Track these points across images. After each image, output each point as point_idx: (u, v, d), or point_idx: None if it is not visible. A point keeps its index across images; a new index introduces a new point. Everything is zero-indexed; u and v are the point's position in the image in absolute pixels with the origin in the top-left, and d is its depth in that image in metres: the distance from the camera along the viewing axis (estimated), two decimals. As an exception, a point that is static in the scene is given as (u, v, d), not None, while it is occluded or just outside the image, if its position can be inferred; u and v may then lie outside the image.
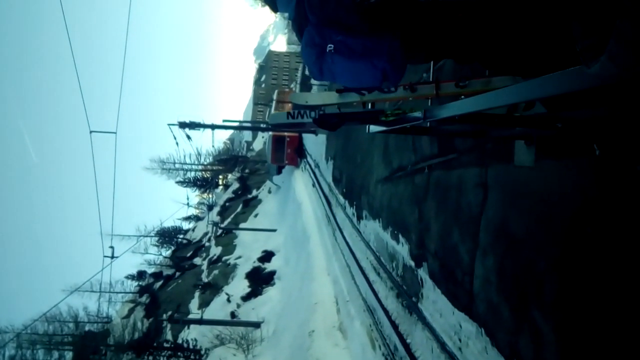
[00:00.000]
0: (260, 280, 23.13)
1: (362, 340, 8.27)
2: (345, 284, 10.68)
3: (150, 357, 22.86)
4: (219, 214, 48.22)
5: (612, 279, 2.38)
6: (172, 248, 57.09)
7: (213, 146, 45.39)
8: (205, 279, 32.81)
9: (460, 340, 4.37)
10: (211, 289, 29.04)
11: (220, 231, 39.03)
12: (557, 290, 2.83)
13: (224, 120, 24.95)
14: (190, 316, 24.26)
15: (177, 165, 50.90)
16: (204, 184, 56.06)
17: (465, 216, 4.34)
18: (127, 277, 51.81)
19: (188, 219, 62.37)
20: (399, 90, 3.00)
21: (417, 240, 5.87)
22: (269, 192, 37.93)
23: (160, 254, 56.77)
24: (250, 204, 41.08)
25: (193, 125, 20.34)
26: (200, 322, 20.72)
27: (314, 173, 20.96)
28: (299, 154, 28.47)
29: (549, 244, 2.95)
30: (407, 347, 5.87)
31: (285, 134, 28.08)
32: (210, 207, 55.34)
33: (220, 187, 60.35)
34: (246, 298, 22.60)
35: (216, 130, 22.05)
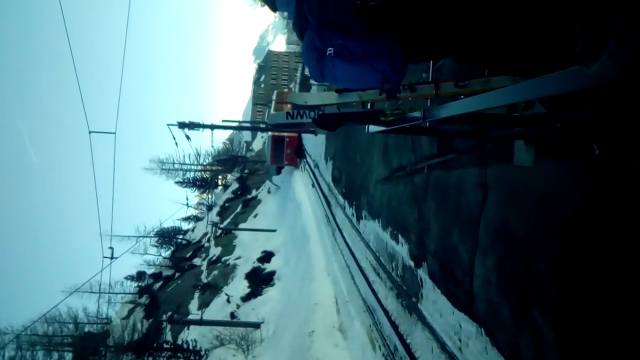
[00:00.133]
0: (260, 280, 23.13)
1: (362, 341, 8.27)
2: (345, 284, 10.68)
3: (150, 358, 22.84)
4: (219, 214, 48.21)
5: (612, 278, 2.38)
6: (172, 249, 57.10)
7: (212, 146, 45.52)
8: (204, 280, 32.81)
9: (460, 340, 4.37)
10: (211, 290, 29.04)
11: (219, 231, 39.02)
12: (557, 290, 2.83)
13: (223, 121, 24.95)
14: (190, 317, 24.24)
15: (176, 166, 50.92)
16: (203, 184, 56.05)
17: (464, 216, 4.34)
18: (126, 278, 51.83)
19: (187, 219, 62.40)
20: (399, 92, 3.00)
21: (417, 241, 5.87)
22: (269, 192, 37.94)
23: (160, 255, 56.80)
24: (250, 204, 41.08)
25: (192, 126, 20.33)
26: (200, 322, 20.72)
27: (314, 173, 20.96)
28: (299, 154, 28.45)
29: (548, 243, 2.95)
30: (407, 347, 5.86)
31: (285, 134, 28.06)
32: (209, 208, 55.31)
33: (220, 188, 60.35)
34: (246, 298, 22.60)
35: (215, 131, 22.06)
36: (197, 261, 42.27)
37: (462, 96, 2.72)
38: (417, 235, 5.89)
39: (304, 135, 26.44)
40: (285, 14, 2.45)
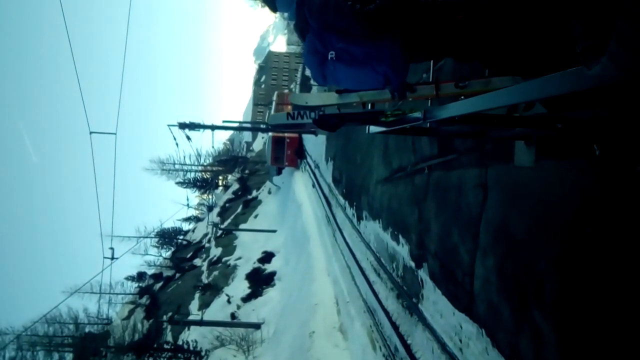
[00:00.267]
0: (260, 281, 23.13)
1: (362, 341, 8.27)
2: (345, 284, 10.67)
3: (151, 359, 22.84)
4: (219, 214, 48.20)
5: (612, 279, 2.37)
6: (172, 249, 57.07)
7: (213, 147, 45.41)
8: (205, 280, 32.80)
9: (460, 340, 4.37)
10: (211, 290, 29.02)
11: (220, 232, 39.00)
12: (558, 290, 2.83)
13: (223, 121, 24.90)
14: (191, 317, 24.24)
15: (177, 166, 50.90)
16: (203, 184, 56.03)
17: (465, 217, 4.34)
18: (127, 279, 51.78)
19: (188, 220, 62.39)
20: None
21: (417, 241, 5.87)
22: (269, 192, 37.93)
23: (160, 255, 56.78)
24: (250, 205, 41.08)
25: (193, 126, 20.32)
26: (201, 323, 20.71)
27: (314, 174, 20.96)
28: (299, 155, 28.43)
29: (549, 244, 2.95)
30: (407, 348, 5.86)
31: (286, 135, 28.05)
32: (210, 208, 55.33)
33: (220, 188, 60.34)
34: (246, 299, 22.60)
35: (216, 131, 22.03)
36: (197, 262, 42.26)
37: (462, 97, 2.73)
38: (417, 236, 5.89)
39: (304, 136, 26.44)
40: (286, 14, 2.46)
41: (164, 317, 29.91)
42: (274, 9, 2.42)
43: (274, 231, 27.17)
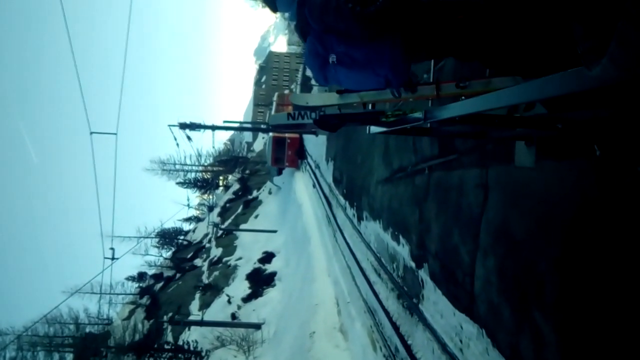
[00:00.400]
0: (260, 281, 23.13)
1: (362, 342, 8.27)
2: (345, 285, 10.67)
3: (151, 359, 22.84)
4: (220, 215, 48.22)
5: (612, 279, 2.37)
6: (173, 249, 57.09)
7: (213, 147, 45.43)
8: (205, 281, 32.82)
9: (461, 341, 4.37)
10: (212, 291, 29.04)
11: (220, 232, 39.02)
12: (558, 291, 2.83)
13: (224, 121, 24.95)
14: (191, 318, 24.25)
15: (177, 166, 50.92)
16: (204, 185, 56.05)
17: (465, 217, 4.34)
18: (127, 279, 51.80)
19: (188, 220, 62.42)
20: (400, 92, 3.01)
21: (418, 241, 5.87)
22: (270, 193, 37.94)
23: (161, 256, 56.82)
24: (251, 205, 41.09)
25: (193, 126, 20.35)
26: (201, 323, 20.72)
27: (315, 174, 20.96)
28: (300, 155, 28.40)
29: (549, 244, 2.95)
30: (408, 348, 5.86)
31: (286, 135, 28.02)
32: (210, 208, 55.37)
33: (221, 188, 60.35)
34: (247, 299, 22.60)
35: (216, 131, 22.07)
36: (198, 262, 42.28)
37: (463, 97, 2.73)
38: (418, 236, 5.89)
39: (304, 136, 26.43)
40: (287, 14, 2.46)
41: (165, 318, 29.91)
42: (274, 9, 2.42)
43: (275, 231, 27.18)
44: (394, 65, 2.05)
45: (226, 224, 41.94)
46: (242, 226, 35.63)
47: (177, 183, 53.64)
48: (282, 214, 28.21)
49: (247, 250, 29.52)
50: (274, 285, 21.74)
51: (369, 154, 9.77)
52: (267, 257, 25.40)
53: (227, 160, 53.50)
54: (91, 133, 18.01)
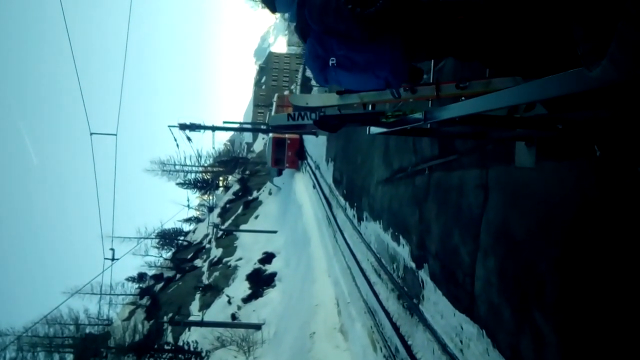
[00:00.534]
0: (261, 282, 23.14)
1: (363, 342, 8.26)
2: (346, 285, 10.67)
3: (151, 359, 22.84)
4: (220, 215, 48.23)
5: (612, 280, 2.37)
6: (173, 250, 57.09)
7: (213, 148, 45.43)
8: (205, 281, 32.82)
9: (461, 341, 4.36)
10: (212, 291, 29.04)
11: (220, 233, 39.01)
12: (558, 291, 2.83)
13: (224, 122, 24.93)
14: (191, 318, 24.26)
15: (177, 167, 50.97)
16: (204, 185, 56.06)
17: (466, 217, 4.34)
18: (127, 279, 51.82)
19: (188, 220, 62.41)
20: (401, 91, 3.01)
21: (418, 242, 5.87)
22: (270, 193, 37.94)
23: (161, 256, 56.83)
24: (251, 206, 41.09)
25: (193, 127, 20.36)
26: (201, 324, 20.72)
27: (315, 174, 20.96)
28: (300, 156, 28.34)
29: (549, 245, 2.95)
30: (408, 348, 5.86)
31: (286, 136, 27.99)
32: (210, 209, 55.36)
33: (221, 189, 60.36)
34: (247, 300, 22.61)
35: (216, 132, 22.07)
36: (198, 262, 42.27)
37: (463, 97, 2.73)
38: (418, 237, 5.89)
39: (304, 137, 26.42)
40: (287, 15, 2.46)
41: (165, 318, 29.92)
42: (273, 9, 2.42)
43: (275, 232, 27.18)
44: (394, 66, 2.06)
45: (226, 224, 41.94)
46: (242, 227, 35.64)
47: (177, 184, 53.71)
48: (282, 215, 28.21)
49: (247, 251, 29.52)
50: (274, 286, 21.75)
51: (369, 154, 9.77)
52: (267, 257, 25.40)
53: (227, 161, 53.53)
54: (91, 134, 18.02)
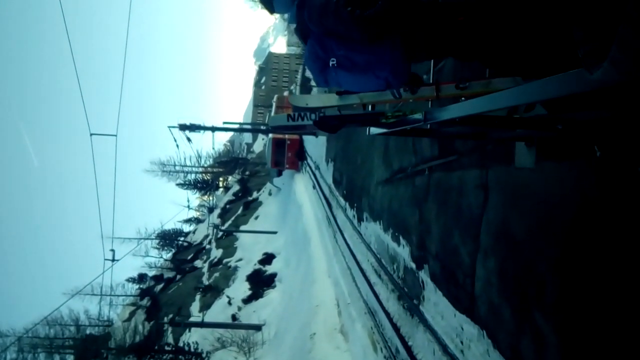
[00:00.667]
0: (261, 282, 23.14)
1: (363, 343, 8.26)
2: (346, 286, 10.67)
3: (151, 360, 22.85)
4: (220, 216, 48.23)
5: (613, 280, 2.37)
6: (173, 251, 57.10)
7: (213, 148, 45.55)
8: (206, 282, 32.82)
9: (462, 342, 4.36)
10: (212, 292, 29.05)
11: (220, 233, 39.01)
12: (558, 291, 2.83)
13: (224, 123, 24.93)
14: (191, 319, 24.27)
15: (177, 168, 51.01)
16: (204, 186, 56.10)
17: (466, 218, 4.34)
18: (128, 280, 51.83)
19: (189, 221, 62.43)
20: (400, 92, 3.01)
21: (418, 242, 5.87)
22: (270, 194, 37.94)
23: (161, 257, 56.85)
24: (251, 206, 41.10)
25: (193, 128, 20.36)
26: (202, 325, 20.74)
27: (315, 175, 20.95)
28: (300, 157, 28.27)
29: (549, 245, 2.95)
30: (408, 349, 5.85)
31: (286, 136, 27.94)
32: (210, 210, 55.36)
33: (221, 190, 60.38)
34: (247, 301, 22.61)
35: (216, 133, 22.07)
36: (198, 263, 42.28)
37: (463, 98, 2.73)
38: (418, 237, 5.88)
39: (304, 137, 26.39)
40: (286, 16, 2.46)
41: (165, 319, 29.94)
42: (271, 10, 2.42)
43: (275, 232, 27.18)
44: (395, 67, 2.06)
45: (226, 225, 41.94)
46: (242, 227, 35.64)
47: (177, 184, 53.75)
48: (282, 215, 28.20)
49: (248, 252, 29.53)
50: (274, 287, 21.76)
51: (368, 155, 9.77)
52: (268, 258, 25.41)
53: (227, 162, 53.58)
54: (91, 135, 18.02)
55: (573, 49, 1.15)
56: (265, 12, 2.44)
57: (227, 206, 49.70)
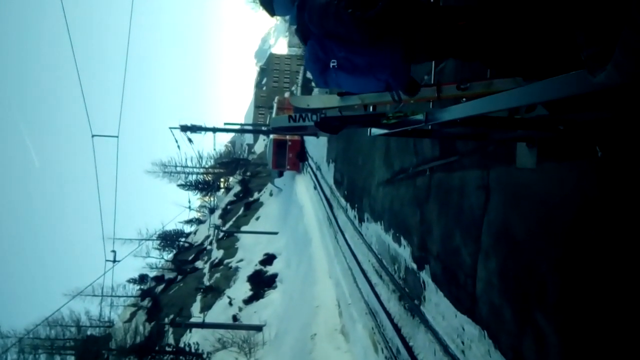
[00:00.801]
0: (262, 283, 23.13)
1: (364, 344, 8.26)
2: (347, 286, 10.67)
3: (152, 361, 22.85)
4: (221, 217, 48.25)
5: (614, 280, 2.37)
6: (174, 251, 57.13)
7: (214, 149, 45.54)
8: (207, 283, 32.82)
9: (463, 343, 4.36)
10: (213, 293, 29.04)
11: (221, 234, 39.02)
12: (560, 292, 2.83)
13: (225, 124, 24.95)
14: (192, 320, 24.25)
15: (178, 169, 51.11)
16: (205, 187, 56.14)
17: (467, 218, 4.34)
18: (128, 281, 51.89)
19: (190, 222, 62.45)
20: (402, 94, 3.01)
21: (419, 243, 5.87)
22: (271, 194, 37.95)
23: (162, 258, 56.88)
24: (252, 207, 41.10)
25: (194, 129, 20.39)
26: (202, 325, 20.72)
27: (316, 175, 20.96)
28: (301, 158, 28.19)
29: (550, 245, 2.95)
30: (409, 350, 5.85)
31: (287, 137, 27.88)
32: (211, 210, 55.39)
33: (222, 190, 60.40)
34: (248, 301, 22.60)
35: (217, 134, 22.10)
36: (199, 264, 42.27)
37: (464, 99, 2.73)
38: (419, 238, 5.88)
39: (305, 138, 26.36)
40: (287, 17, 2.46)
41: (166, 320, 29.93)
42: (272, 12, 2.42)
43: (276, 233, 27.16)
44: (395, 69, 2.06)
45: (227, 226, 41.95)
46: (243, 228, 35.65)
47: (178, 185, 53.83)
48: (283, 216, 28.18)
49: (248, 252, 29.52)
50: (275, 287, 21.74)
51: (369, 155, 9.78)
52: (268, 259, 25.40)
53: (228, 162, 53.63)
54: (93, 136, 18.06)
55: (574, 50, 1.15)
56: (266, 14, 2.44)
57: (228, 207, 49.72)
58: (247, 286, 24.10)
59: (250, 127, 44.54)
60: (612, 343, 2.39)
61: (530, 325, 3.14)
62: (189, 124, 20.24)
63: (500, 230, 3.68)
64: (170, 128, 20.71)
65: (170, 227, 57.26)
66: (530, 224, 3.25)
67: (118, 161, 20.20)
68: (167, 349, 23.24)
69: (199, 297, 31.35)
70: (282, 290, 20.41)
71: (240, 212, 42.82)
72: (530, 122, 2.37)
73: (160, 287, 45.74)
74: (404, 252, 6.54)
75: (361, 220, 10.13)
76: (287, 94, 48.94)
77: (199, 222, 61.48)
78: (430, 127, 2.76)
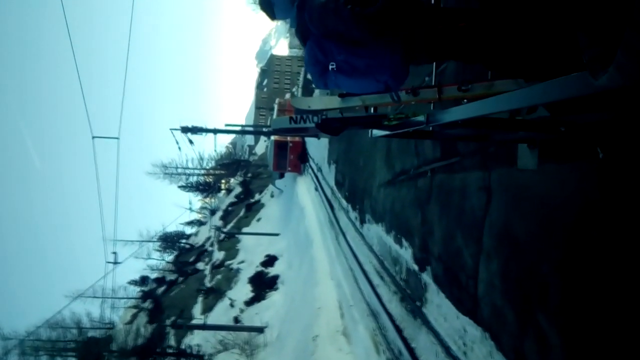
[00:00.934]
0: (263, 284, 23.11)
1: (366, 345, 8.25)
2: (348, 288, 10.67)
3: (154, 363, 22.85)
4: (222, 218, 48.26)
5: (615, 281, 2.37)
6: (175, 253, 57.08)
7: (215, 150, 45.42)
8: (208, 284, 32.80)
9: (465, 344, 4.36)
10: (214, 294, 29.03)
11: (223, 236, 39.02)
12: (561, 293, 2.82)
13: (226, 125, 24.96)
14: (194, 321, 24.27)
15: (179, 170, 51.08)
16: (206, 188, 56.12)
17: (468, 220, 4.34)
18: (130, 283, 51.82)
19: (191, 223, 62.41)
20: (402, 95, 3.01)
21: (421, 244, 5.86)
22: (272, 196, 37.95)
23: (163, 259, 56.83)
24: (253, 208, 41.10)
25: (195, 130, 20.42)
26: (204, 327, 20.73)
27: (317, 177, 20.96)
28: (302, 159, 28.13)
29: (552, 247, 2.95)
30: (411, 351, 5.85)
31: (288, 139, 27.83)
32: (212, 212, 55.37)
33: (223, 192, 60.40)
34: (249, 303, 22.58)
35: (218, 135, 22.11)
36: (200, 265, 42.26)
37: (465, 100, 2.73)
38: (420, 239, 5.88)
39: (306, 139, 26.35)
40: (287, 19, 2.46)
41: (167, 321, 29.93)
42: (272, 16, 2.41)
43: (277, 235, 27.15)
44: (394, 70, 2.06)
45: (228, 227, 41.97)
46: (245, 229, 35.65)
47: (179, 187, 53.80)
48: (284, 217, 28.17)
49: (250, 254, 29.52)
50: (277, 289, 21.72)
51: (371, 157, 9.78)
52: (270, 260, 25.38)
53: (229, 164, 53.62)
54: (93, 137, 18.12)
55: (576, 52, 1.15)
56: (266, 18, 2.43)
57: (229, 208, 49.73)
58: (249, 288, 24.08)
59: (251, 129, 44.54)
60: (614, 344, 2.39)
61: (532, 327, 3.13)
62: (189, 125, 20.29)
63: (501, 231, 3.68)
64: (171, 129, 20.75)
65: (171, 228, 57.22)
66: (532, 225, 3.24)
67: (119, 162, 20.25)
68: (169, 350, 23.24)
69: (200, 299, 31.34)
70: (283, 292, 20.39)
71: (242, 213, 42.83)
72: (532, 124, 2.37)
73: (161, 289, 45.74)
74: (406, 253, 6.53)
75: (362, 221, 10.13)
76: (288, 95, 48.98)
77: (200, 223, 61.46)
78: (431, 128, 2.76)
